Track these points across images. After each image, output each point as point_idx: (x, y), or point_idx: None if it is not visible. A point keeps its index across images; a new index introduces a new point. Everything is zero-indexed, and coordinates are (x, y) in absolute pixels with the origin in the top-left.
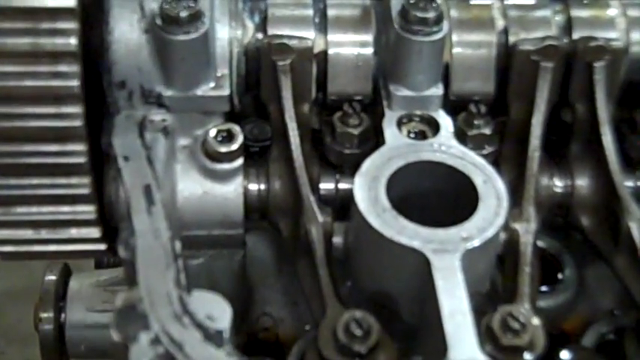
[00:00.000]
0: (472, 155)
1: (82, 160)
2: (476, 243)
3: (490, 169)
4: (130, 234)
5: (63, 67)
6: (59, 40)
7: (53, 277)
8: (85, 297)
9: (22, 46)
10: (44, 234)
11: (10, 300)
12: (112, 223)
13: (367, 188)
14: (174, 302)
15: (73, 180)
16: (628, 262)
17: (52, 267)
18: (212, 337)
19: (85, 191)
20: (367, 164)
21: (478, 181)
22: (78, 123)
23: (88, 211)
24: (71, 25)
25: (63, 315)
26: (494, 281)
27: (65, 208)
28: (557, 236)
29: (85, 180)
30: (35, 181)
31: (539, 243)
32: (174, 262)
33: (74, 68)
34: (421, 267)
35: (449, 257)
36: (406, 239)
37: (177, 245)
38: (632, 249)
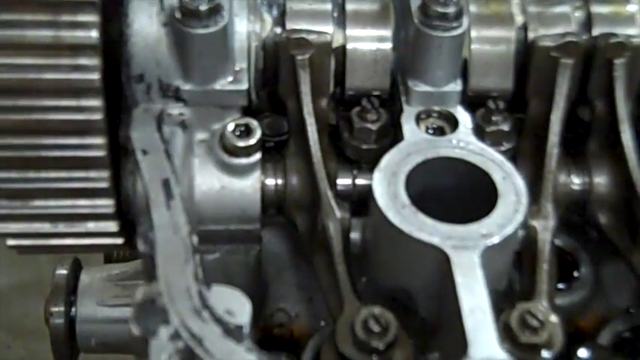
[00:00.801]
0: (491, 152)
1: (101, 153)
2: (495, 240)
3: (509, 166)
4: (149, 228)
5: (83, 60)
6: (80, 33)
7: (64, 271)
8: (95, 291)
9: (43, 39)
10: (62, 227)
11: (16, 294)
12: (129, 216)
13: (386, 184)
14: (194, 297)
15: (92, 173)
16: None
17: (62, 261)
18: (232, 332)
19: (103, 185)
20: (386, 160)
21: (497, 177)
22: (98, 116)
23: (106, 204)
24: (92, 17)
25: (74, 309)
26: (512, 278)
27: (83, 202)
28: (574, 234)
29: (104, 174)
30: (53, 174)
31: (556, 241)
32: (193, 256)
33: (95, 61)
34: (440, 263)
35: (468, 254)
36: (426, 235)
37: (195, 240)
38: None
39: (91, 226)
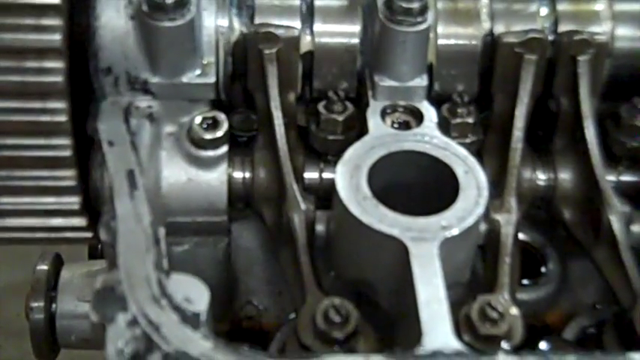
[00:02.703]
0: (455, 146)
1: (67, 153)
2: (455, 232)
3: (472, 160)
4: (112, 217)
5: (48, 63)
6: (45, 37)
7: (45, 267)
8: (76, 287)
9: (7, 42)
10: (30, 222)
11: (8, 294)
12: (98, 208)
13: (349, 176)
14: (153, 285)
15: (58, 172)
16: (608, 255)
17: (44, 256)
18: (189, 319)
19: (70, 183)
20: (349, 153)
21: (459, 171)
22: (63, 118)
23: (73, 202)
24: (56, 21)
25: (54, 305)
26: (476, 272)
27: (50, 199)
28: (541, 230)
29: (70, 172)
30: (20, 172)
31: (523, 237)
32: (155, 245)
33: (59, 64)
34: (400, 255)
35: (427, 245)
36: (385, 227)
37: (161, 231)
38: (612, 242)
39: (59, 221)
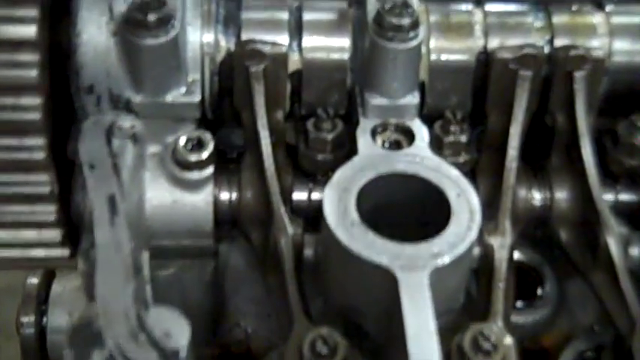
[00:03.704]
0: (447, 167)
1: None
2: (446, 260)
3: (464, 182)
4: (91, 246)
5: (26, 100)
6: (21, 73)
7: (35, 280)
8: (67, 301)
9: None
10: (12, 254)
11: (8, 295)
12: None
13: (337, 200)
14: (131, 319)
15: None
16: (606, 279)
17: (34, 270)
18: (168, 356)
19: (50, 218)
20: (338, 175)
21: (451, 194)
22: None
23: (54, 235)
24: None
25: (45, 319)
26: (471, 294)
27: (31, 233)
28: (538, 249)
29: (51, 207)
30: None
31: (520, 256)
32: (135, 276)
33: (37, 101)
34: (389, 284)
35: (417, 275)
36: (374, 255)
37: (145, 256)
38: (610, 266)
39: (41, 253)
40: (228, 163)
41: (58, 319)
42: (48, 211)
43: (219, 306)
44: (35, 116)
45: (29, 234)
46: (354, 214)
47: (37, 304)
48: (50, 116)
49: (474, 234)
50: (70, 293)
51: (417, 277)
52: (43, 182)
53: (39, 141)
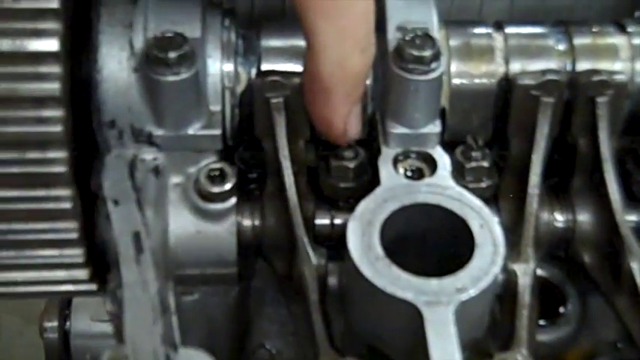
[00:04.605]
0: (469, 197)
1: (68, 205)
2: (470, 294)
3: (487, 212)
4: (118, 286)
5: (47, 112)
6: (44, 85)
7: None
8: (90, 306)
9: (4, 92)
10: (32, 275)
11: None
12: (104, 259)
13: (361, 234)
14: None
15: (59, 225)
16: (629, 303)
17: None
18: None
19: (72, 236)
20: (361, 207)
21: (475, 225)
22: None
23: (76, 254)
24: (55, 69)
25: (68, 324)
26: (495, 314)
27: (53, 252)
28: (560, 265)
29: (72, 225)
30: (19, 226)
31: (542, 272)
32: (163, 316)
33: (59, 113)
34: (414, 318)
35: (442, 310)
36: (399, 290)
37: (170, 294)
38: (633, 290)
39: (62, 274)
40: (250, 183)
41: (82, 323)
42: (70, 228)
43: (245, 327)
44: (57, 128)
45: (50, 252)
46: (378, 249)
47: (60, 309)
48: (71, 133)
49: (497, 268)
50: (93, 298)
51: (442, 313)
52: (64, 197)
53: (60, 154)
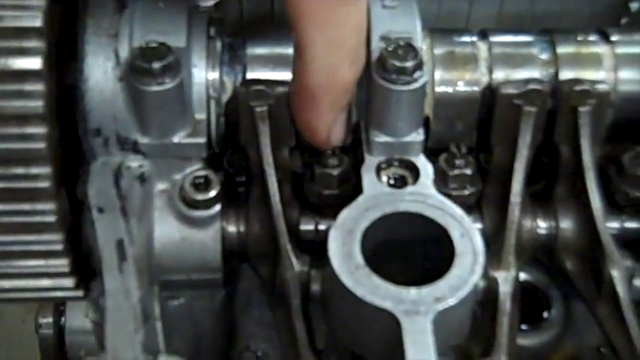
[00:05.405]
0: (451, 206)
1: (52, 218)
2: (449, 303)
3: (468, 222)
4: (100, 294)
5: (31, 130)
6: (27, 103)
7: None
8: (86, 301)
9: None
10: (18, 284)
11: None
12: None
13: (341, 242)
14: None
15: (44, 237)
16: (610, 312)
17: None
18: None
19: (57, 247)
20: (343, 216)
21: (455, 234)
22: (47, 183)
23: (61, 264)
24: (38, 87)
25: (63, 320)
26: (476, 316)
27: (39, 262)
28: (544, 268)
29: (57, 236)
30: (5, 238)
31: (526, 276)
32: (145, 324)
33: (42, 130)
34: (392, 327)
35: (420, 319)
36: (378, 299)
37: (154, 300)
38: (614, 299)
39: (48, 282)
40: (238, 186)
41: (77, 320)
42: (54, 240)
43: (231, 330)
44: (41, 145)
45: (36, 263)
46: (358, 257)
47: (56, 306)
48: (54, 148)
49: (477, 277)
50: None
51: (420, 322)
52: (48, 211)
53: (44, 170)
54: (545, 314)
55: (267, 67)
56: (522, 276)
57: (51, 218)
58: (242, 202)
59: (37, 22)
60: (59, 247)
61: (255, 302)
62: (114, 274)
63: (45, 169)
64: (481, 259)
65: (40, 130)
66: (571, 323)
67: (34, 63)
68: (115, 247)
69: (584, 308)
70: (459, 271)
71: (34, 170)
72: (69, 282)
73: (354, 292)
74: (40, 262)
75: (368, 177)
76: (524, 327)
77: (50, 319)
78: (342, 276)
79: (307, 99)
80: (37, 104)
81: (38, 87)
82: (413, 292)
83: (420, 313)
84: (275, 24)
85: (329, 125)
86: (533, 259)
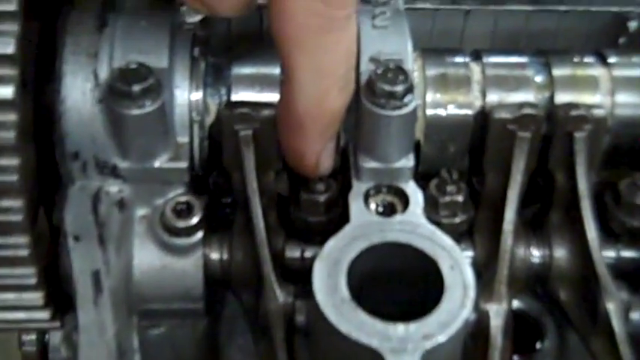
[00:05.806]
0: (441, 235)
1: (25, 252)
2: (438, 341)
3: (458, 253)
4: (74, 328)
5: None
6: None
7: None
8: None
9: None
10: None
11: None
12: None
13: (327, 275)
14: None
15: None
16: (605, 346)
17: None
18: None
19: (31, 281)
20: (329, 246)
21: (445, 267)
22: (19, 217)
23: (35, 297)
24: (11, 117)
25: (47, 337)
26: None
27: (11, 296)
28: (538, 297)
29: (30, 270)
30: None
31: (519, 305)
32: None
33: (14, 162)
34: None
35: (407, 358)
36: (363, 336)
37: (132, 333)
38: (609, 332)
39: (22, 315)
40: (224, 208)
41: (60, 337)
42: (28, 273)
43: (214, 358)
44: (13, 177)
45: (10, 296)
46: (344, 291)
47: None
48: (27, 179)
49: (467, 312)
50: None
51: None
52: (21, 245)
53: (16, 203)
54: (539, 345)
55: (254, 88)
56: (515, 304)
57: (24, 252)
58: (226, 228)
59: (9, 50)
60: (33, 280)
61: (240, 329)
62: (88, 308)
63: (17, 202)
64: (471, 292)
65: (12, 162)
66: (565, 355)
67: (6, 92)
68: (91, 279)
69: (579, 339)
70: (448, 305)
71: (6, 203)
72: (44, 315)
73: (339, 328)
74: (14, 295)
75: (355, 204)
76: (516, 358)
77: (34, 337)
78: (326, 310)
79: (295, 126)
80: (9, 135)
81: (10, 117)
82: (400, 328)
83: (407, 351)
84: (264, 41)
85: (317, 154)
86: (526, 287)
